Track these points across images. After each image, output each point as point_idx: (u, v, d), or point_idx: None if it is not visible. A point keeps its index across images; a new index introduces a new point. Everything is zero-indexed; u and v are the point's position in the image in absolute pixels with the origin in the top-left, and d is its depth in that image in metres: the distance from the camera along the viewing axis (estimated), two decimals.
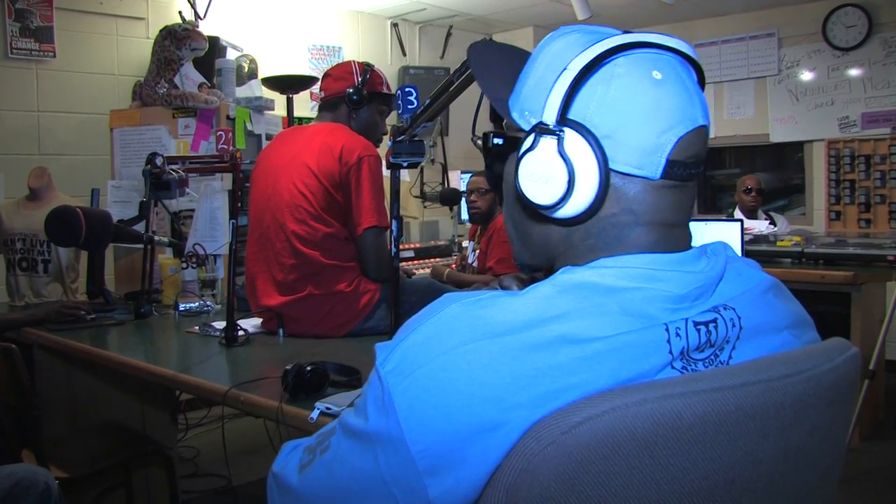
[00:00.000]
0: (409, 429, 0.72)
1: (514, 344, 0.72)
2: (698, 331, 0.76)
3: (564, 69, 0.80)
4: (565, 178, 0.79)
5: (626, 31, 0.83)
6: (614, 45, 0.80)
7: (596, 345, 0.72)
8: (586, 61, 0.79)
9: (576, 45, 0.82)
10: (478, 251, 4.05)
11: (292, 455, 0.89)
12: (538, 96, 0.83)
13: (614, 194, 0.81)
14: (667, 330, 0.75)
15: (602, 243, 0.83)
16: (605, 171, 0.79)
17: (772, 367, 0.75)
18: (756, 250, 4.20)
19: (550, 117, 0.80)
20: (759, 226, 4.92)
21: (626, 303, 0.75)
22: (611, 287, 0.76)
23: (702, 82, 0.85)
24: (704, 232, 3.70)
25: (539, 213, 0.85)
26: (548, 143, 0.80)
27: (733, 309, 0.80)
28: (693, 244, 0.86)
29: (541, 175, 0.81)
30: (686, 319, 0.76)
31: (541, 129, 0.81)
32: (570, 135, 0.79)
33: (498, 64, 0.95)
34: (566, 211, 0.81)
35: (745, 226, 4.18)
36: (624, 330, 0.73)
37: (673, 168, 0.80)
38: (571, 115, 0.80)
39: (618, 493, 0.68)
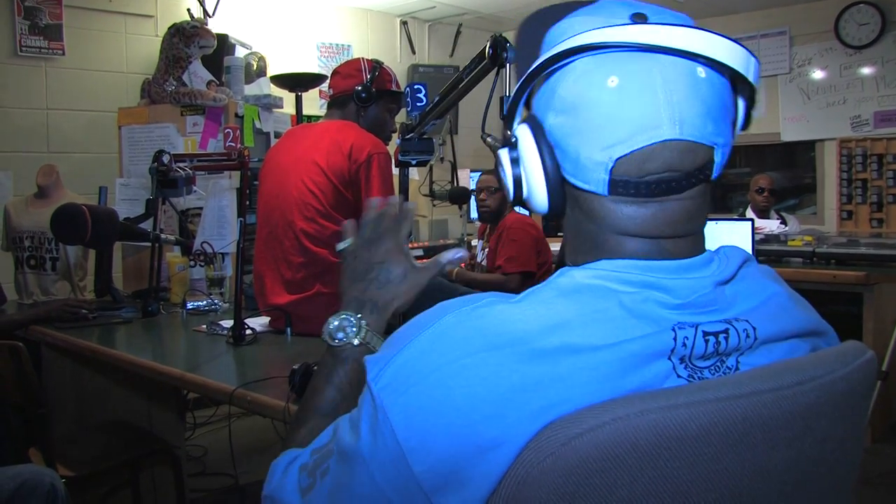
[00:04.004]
0: (410, 449, 0.68)
1: (513, 356, 0.68)
2: (706, 341, 0.73)
3: (537, 57, 0.77)
4: (511, 181, 0.82)
5: (638, 21, 0.74)
6: (583, 43, 0.72)
7: (599, 354, 0.69)
8: (551, 55, 0.74)
9: (569, 29, 0.77)
10: (487, 250, 4.04)
11: (286, 475, 0.83)
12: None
13: (575, 201, 0.80)
14: (674, 339, 0.72)
15: (589, 246, 0.80)
16: (556, 178, 0.78)
17: (781, 374, 0.72)
18: (767, 250, 4.17)
19: (515, 109, 0.82)
20: (770, 225, 4.88)
21: (629, 309, 0.72)
22: (612, 291, 0.73)
23: (747, 86, 0.75)
24: (715, 231, 3.68)
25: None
26: (509, 140, 0.82)
27: (747, 321, 0.76)
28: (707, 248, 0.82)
29: (504, 171, 0.83)
30: (696, 326, 0.73)
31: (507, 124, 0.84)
32: (523, 135, 0.79)
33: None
34: (534, 206, 0.82)
35: (756, 225, 4.15)
36: (627, 337, 0.70)
37: (624, 187, 0.74)
38: (533, 110, 0.81)
39: None
